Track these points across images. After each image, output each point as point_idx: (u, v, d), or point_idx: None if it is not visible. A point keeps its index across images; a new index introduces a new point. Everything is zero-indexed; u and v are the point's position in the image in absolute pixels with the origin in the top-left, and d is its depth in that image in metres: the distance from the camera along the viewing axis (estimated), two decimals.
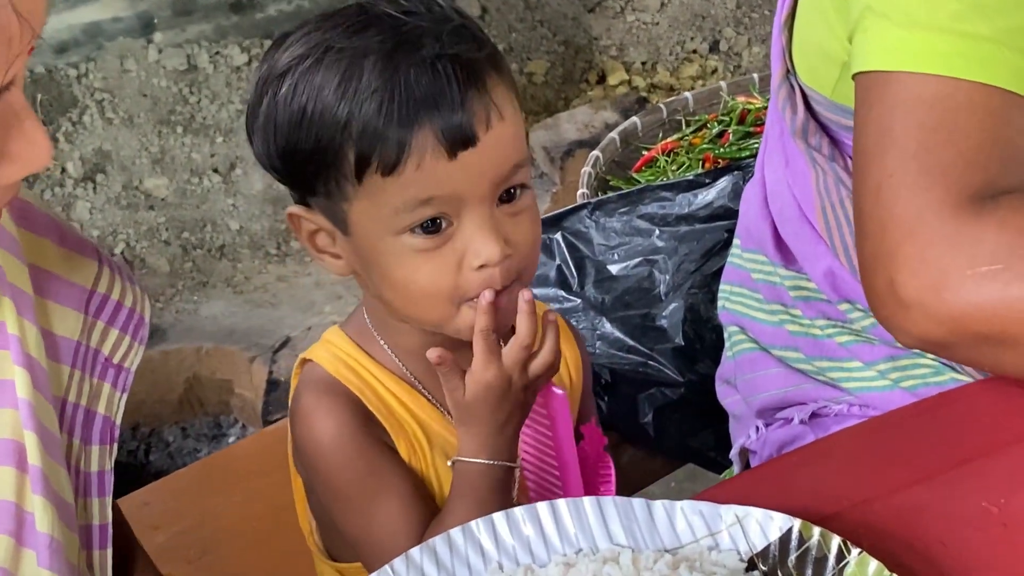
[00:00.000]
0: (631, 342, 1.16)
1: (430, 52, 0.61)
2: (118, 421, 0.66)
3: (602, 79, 2.97)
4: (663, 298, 1.24)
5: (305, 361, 0.75)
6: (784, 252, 0.98)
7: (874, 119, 0.72)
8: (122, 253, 2.35)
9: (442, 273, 0.65)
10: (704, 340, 1.19)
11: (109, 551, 0.63)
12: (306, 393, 0.72)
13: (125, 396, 0.67)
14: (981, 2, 0.68)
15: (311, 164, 0.64)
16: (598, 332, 1.14)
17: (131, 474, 1.88)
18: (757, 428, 1.05)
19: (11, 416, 0.57)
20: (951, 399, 0.73)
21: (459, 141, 0.61)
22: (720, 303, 1.07)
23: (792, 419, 1.00)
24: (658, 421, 1.12)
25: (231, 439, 1.98)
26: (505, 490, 0.67)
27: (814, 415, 0.99)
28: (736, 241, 1.07)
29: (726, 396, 1.09)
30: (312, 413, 0.70)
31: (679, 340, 1.20)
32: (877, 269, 0.71)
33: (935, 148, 0.68)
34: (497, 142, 0.63)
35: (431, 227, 0.64)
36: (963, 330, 0.67)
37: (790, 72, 0.89)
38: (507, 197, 0.65)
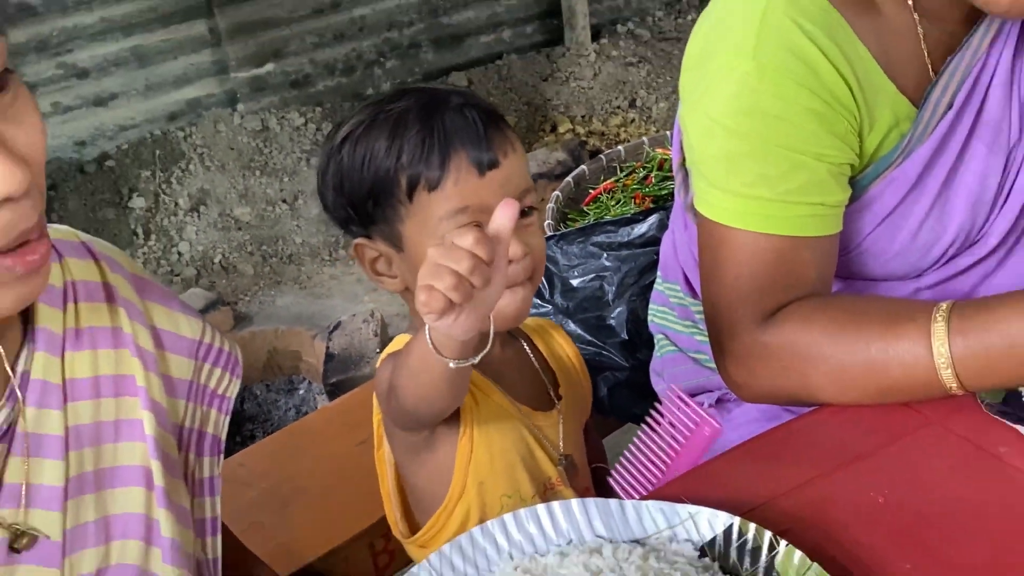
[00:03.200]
0: (589, 337, 1.22)
1: (457, 102, 0.67)
2: (223, 437, 0.67)
3: (554, 129, 3.10)
4: (611, 304, 1.26)
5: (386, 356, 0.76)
6: (691, 288, 1.03)
7: (706, 247, 0.80)
8: (219, 262, 2.40)
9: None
10: (642, 335, 1.19)
11: (219, 537, 0.66)
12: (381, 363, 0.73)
13: (228, 418, 0.68)
14: (766, 173, 0.73)
15: (372, 198, 0.68)
16: (565, 330, 1.11)
17: (232, 421, 1.95)
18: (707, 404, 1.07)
19: (141, 448, 0.60)
20: (841, 407, 0.77)
21: (485, 163, 0.65)
22: (650, 317, 1.13)
23: (703, 403, 1.00)
24: (611, 395, 1.20)
25: (300, 391, 2.06)
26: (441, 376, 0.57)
27: (719, 400, 1.05)
28: (659, 274, 1.13)
29: (657, 384, 1.12)
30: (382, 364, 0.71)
31: (623, 335, 1.24)
32: (716, 356, 0.80)
33: (742, 282, 0.77)
34: (513, 167, 0.67)
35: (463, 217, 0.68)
36: (771, 399, 0.81)
37: (685, 161, 0.89)
38: (521, 215, 0.66)
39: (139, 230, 2.47)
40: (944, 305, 0.66)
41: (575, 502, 0.59)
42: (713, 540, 0.57)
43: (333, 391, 1.91)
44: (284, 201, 2.48)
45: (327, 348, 1.99)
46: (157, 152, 2.56)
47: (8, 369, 0.54)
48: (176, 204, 2.44)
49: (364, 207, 0.68)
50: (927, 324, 0.66)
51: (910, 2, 0.75)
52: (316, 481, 1.08)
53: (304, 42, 2.81)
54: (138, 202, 2.45)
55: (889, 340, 0.68)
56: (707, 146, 0.76)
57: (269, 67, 2.78)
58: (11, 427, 0.55)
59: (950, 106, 0.78)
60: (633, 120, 2.92)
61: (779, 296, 0.74)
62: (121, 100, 2.60)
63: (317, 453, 1.12)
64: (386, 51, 2.96)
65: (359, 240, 0.69)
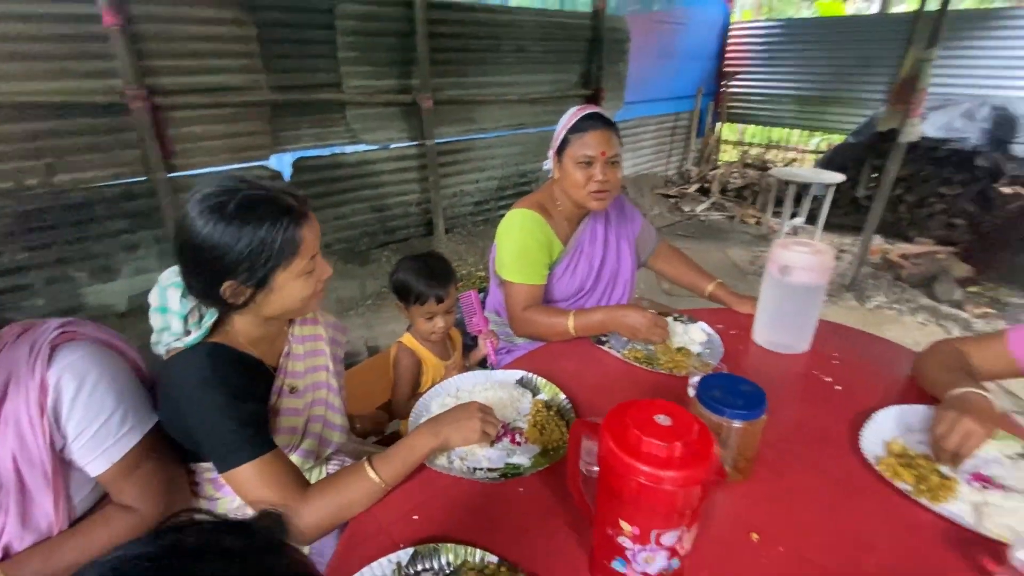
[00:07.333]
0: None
1: (439, 266, 1.20)
2: (342, 356, 1.07)
3: None
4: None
5: (399, 342, 1.28)
6: (496, 312, 1.48)
7: (507, 290, 1.27)
8: None
9: (430, 327, 1.27)
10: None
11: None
12: (397, 344, 1.27)
13: (344, 350, 1.07)
14: (525, 263, 1.24)
15: (410, 294, 1.22)
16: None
17: None
18: (503, 352, 1.47)
19: (324, 359, 1.00)
20: (549, 344, 1.26)
21: (441, 298, 1.21)
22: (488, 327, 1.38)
23: (512, 349, 1.45)
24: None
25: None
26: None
27: (508, 350, 1.44)
28: (490, 310, 1.53)
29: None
30: (397, 349, 1.23)
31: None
32: (510, 324, 1.27)
33: (519, 300, 1.27)
34: (452, 298, 1.21)
35: (430, 316, 1.23)
36: (528, 337, 1.27)
37: (495, 265, 1.33)
38: (447, 311, 1.18)
39: None
40: (574, 312, 1.23)
41: (481, 371, 1.10)
42: (519, 379, 1.11)
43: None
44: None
45: (368, 348, 2.68)
46: None
47: (288, 330, 0.96)
48: None
49: (401, 294, 1.28)
50: (567, 316, 1.23)
51: (564, 213, 1.35)
52: (360, 390, 1.42)
53: (329, 228, 3.72)
54: None
55: (559, 319, 1.25)
56: (507, 258, 1.30)
57: None
58: (289, 351, 0.94)
59: (575, 247, 1.36)
60: (461, 264, 3.95)
61: (527, 304, 1.27)
62: None
63: (360, 379, 1.44)
64: (363, 234, 3.95)
65: (399, 303, 1.26)
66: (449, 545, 0.71)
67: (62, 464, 0.76)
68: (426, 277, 1.26)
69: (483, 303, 1.61)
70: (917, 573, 0.70)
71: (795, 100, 6.15)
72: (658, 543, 0.58)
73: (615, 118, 5.22)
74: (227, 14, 2.96)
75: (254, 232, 0.76)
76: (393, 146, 3.88)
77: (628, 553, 0.60)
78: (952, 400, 0.91)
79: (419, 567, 0.68)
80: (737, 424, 0.83)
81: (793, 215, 4.87)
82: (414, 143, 3.95)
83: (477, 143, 4.41)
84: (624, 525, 0.59)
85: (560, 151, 1.32)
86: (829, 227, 4.89)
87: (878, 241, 4.47)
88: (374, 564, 0.68)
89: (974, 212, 4.20)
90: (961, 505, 0.83)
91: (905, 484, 0.86)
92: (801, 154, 6.47)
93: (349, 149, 3.71)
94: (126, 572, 0.32)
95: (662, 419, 0.60)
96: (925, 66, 2.98)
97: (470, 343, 1.54)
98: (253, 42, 3.07)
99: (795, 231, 4.88)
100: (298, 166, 3.54)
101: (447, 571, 0.67)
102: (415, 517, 0.80)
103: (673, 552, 0.60)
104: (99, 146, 2.76)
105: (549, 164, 1.37)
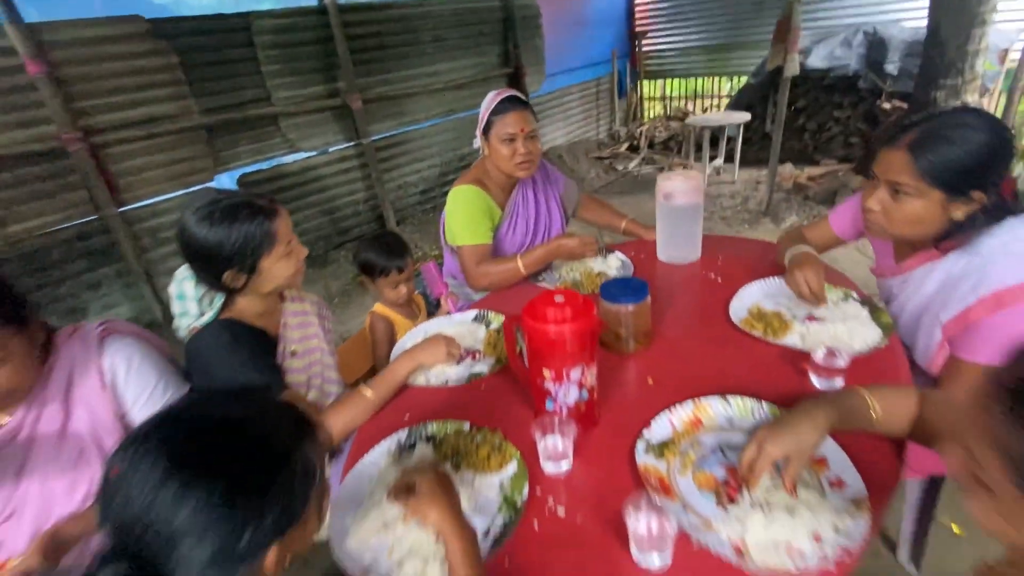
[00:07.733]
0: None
1: (395, 241, 1.52)
2: (331, 328, 1.26)
3: None
4: None
5: (372, 312, 1.53)
6: (452, 275, 1.72)
7: (459, 252, 1.48)
8: None
9: (396, 293, 1.56)
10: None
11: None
12: (371, 314, 1.51)
13: (330, 323, 1.20)
14: (474, 227, 1.49)
15: (373, 269, 1.50)
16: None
17: None
18: (462, 308, 1.59)
19: (315, 328, 1.24)
20: (502, 289, 1.63)
21: (402, 267, 1.50)
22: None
23: (470, 305, 1.56)
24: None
25: None
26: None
27: (469, 304, 1.57)
28: (448, 276, 1.78)
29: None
30: (371, 318, 1.49)
31: None
32: (466, 280, 1.53)
33: (473, 257, 1.51)
34: (411, 267, 1.50)
35: (395, 284, 1.52)
36: (486, 289, 1.52)
37: (445, 234, 1.56)
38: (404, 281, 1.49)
39: None
40: (519, 254, 1.51)
41: (435, 319, 1.40)
42: (475, 317, 1.38)
43: None
44: None
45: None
46: None
47: (281, 305, 1.19)
48: None
49: (367, 271, 1.54)
50: (515, 259, 1.49)
51: (497, 183, 1.59)
52: (349, 356, 1.66)
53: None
54: None
55: (509, 263, 1.49)
56: (456, 227, 1.53)
57: None
58: (285, 323, 1.17)
59: (512, 211, 1.62)
60: (416, 250, 4.19)
61: (479, 260, 1.52)
62: None
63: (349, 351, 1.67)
64: (318, 239, 4.14)
65: (366, 278, 1.55)
66: (433, 422, 0.98)
67: (128, 428, 0.96)
68: (386, 253, 1.46)
69: (440, 271, 1.75)
70: (766, 382, 1.01)
71: (702, 50, 6.56)
72: (569, 378, 0.88)
73: (539, 91, 5.53)
74: (146, 46, 3.05)
75: (239, 230, 0.96)
76: (332, 149, 4.05)
77: (552, 392, 0.90)
78: (789, 263, 1.23)
79: (413, 439, 0.95)
80: (629, 307, 1.13)
81: (713, 157, 5.28)
82: (351, 143, 4.13)
83: (413, 135, 4.61)
84: (546, 372, 0.88)
85: (486, 132, 1.52)
86: (747, 163, 5.33)
87: (790, 168, 4.92)
88: (381, 442, 0.95)
89: (865, 129, 4.68)
90: (794, 337, 1.16)
91: (758, 331, 1.19)
92: (717, 100, 6.91)
93: (289, 159, 3.85)
94: (165, 417, 0.47)
95: (559, 298, 0.90)
96: (796, 5, 3.34)
97: (433, 311, 1.71)
98: (177, 69, 3.17)
99: (717, 171, 5.29)
100: (242, 182, 3.67)
101: (435, 440, 0.94)
102: (406, 416, 1.07)
103: (581, 384, 0.90)
104: (45, 192, 2.86)
105: (479, 143, 1.59)
